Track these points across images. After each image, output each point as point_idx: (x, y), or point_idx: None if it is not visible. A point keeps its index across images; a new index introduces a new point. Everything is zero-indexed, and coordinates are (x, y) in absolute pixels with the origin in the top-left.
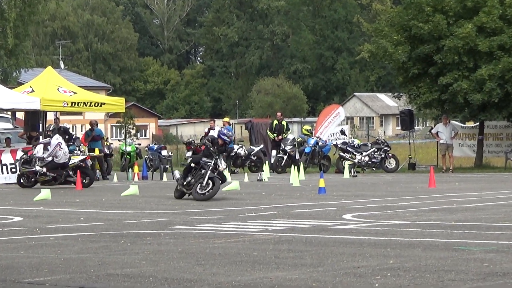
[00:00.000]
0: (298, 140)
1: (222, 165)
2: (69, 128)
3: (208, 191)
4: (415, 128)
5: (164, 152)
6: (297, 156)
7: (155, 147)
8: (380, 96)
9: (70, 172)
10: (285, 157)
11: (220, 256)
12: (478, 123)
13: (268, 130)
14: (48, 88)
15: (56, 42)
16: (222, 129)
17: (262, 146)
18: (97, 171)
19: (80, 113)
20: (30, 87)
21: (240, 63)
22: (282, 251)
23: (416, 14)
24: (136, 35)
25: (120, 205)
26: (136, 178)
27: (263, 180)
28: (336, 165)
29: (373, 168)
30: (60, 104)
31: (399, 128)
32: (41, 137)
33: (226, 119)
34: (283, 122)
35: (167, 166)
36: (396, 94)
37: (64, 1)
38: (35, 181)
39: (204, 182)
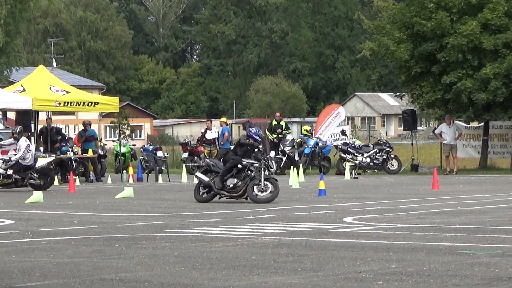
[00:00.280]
0: (298, 140)
1: (274, 166)
2: (61, 129)
3: (270, 192)
4: (418, 128)
5: (159, 153)
6: (297, 157)
7: (150, 148)
8: (381, 96)
9: (34, 175)
10: (284, 158)
11: (218, 260)
12: (482, 123)
13: (266, 131)
14: (40, 87)
15: (48, 40)
16: (251, 129)
17: (260, 147)
18: (91, 172)
19: (73, 113)
20: (22, 86)
21: (237, 62)
22: (281, 255)
23: (418, 11)
24: (131, 33)
25: (114, 207)
26: (130, 180)
27: None
28: (336, 167)
29: (375, 170)
30: (53, 104)
31: (402, 128)
32: (4, 140)
33: (223, 119)
34: (282, 122)
35: (162, 168)
36: (398, 93)
37: None
38: None
39: (262, 184)
